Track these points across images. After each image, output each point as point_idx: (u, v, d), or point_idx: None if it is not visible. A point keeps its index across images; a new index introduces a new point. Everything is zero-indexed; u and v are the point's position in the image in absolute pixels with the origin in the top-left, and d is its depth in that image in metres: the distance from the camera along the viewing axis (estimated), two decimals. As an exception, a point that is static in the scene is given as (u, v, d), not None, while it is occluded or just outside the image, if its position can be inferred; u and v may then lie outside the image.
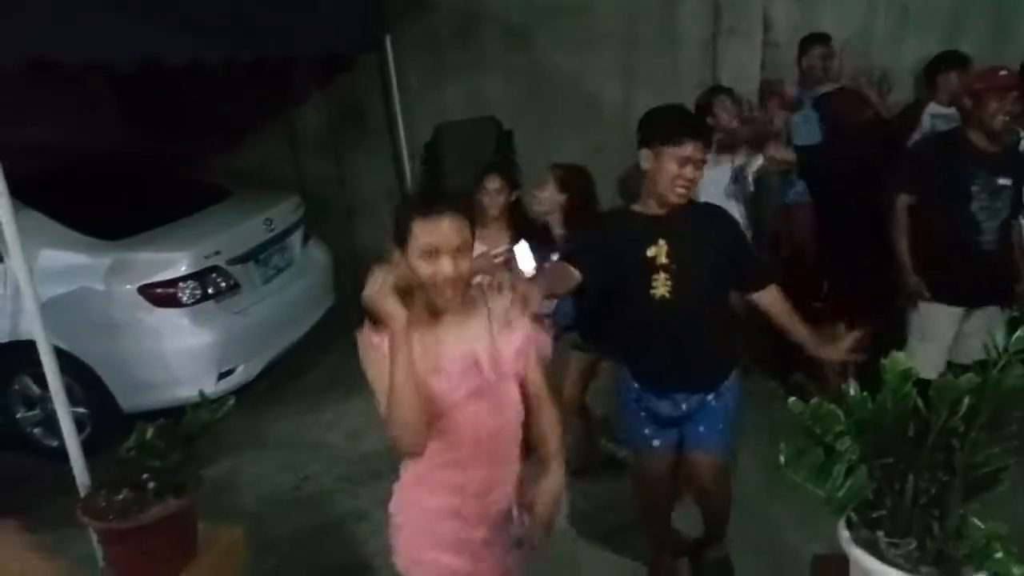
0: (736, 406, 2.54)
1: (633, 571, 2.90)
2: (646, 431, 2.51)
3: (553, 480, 1.80)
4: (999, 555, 1.29)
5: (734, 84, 4.66)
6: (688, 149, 2.24)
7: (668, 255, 2.29)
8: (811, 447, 1.46)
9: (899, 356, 1.42)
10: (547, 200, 3.19)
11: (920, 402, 1.40)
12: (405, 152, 5.52)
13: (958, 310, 3.26)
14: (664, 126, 2.29)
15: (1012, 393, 1.28)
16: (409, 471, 1.81)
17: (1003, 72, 3.09)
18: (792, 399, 1.49)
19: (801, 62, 4.46)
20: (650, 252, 2.29)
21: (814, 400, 1.46)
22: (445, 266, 1.60)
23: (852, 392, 1.47)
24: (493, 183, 3.26)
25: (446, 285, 1.62)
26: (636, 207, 2.42)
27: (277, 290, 4.23)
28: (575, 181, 3.25)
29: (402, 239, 1.62)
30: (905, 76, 4.80)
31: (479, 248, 2.56)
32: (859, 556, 1.45)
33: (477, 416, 1.70)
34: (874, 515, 1.45)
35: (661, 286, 2.30)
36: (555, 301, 2.79)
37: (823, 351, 2.41)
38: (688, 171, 2.26)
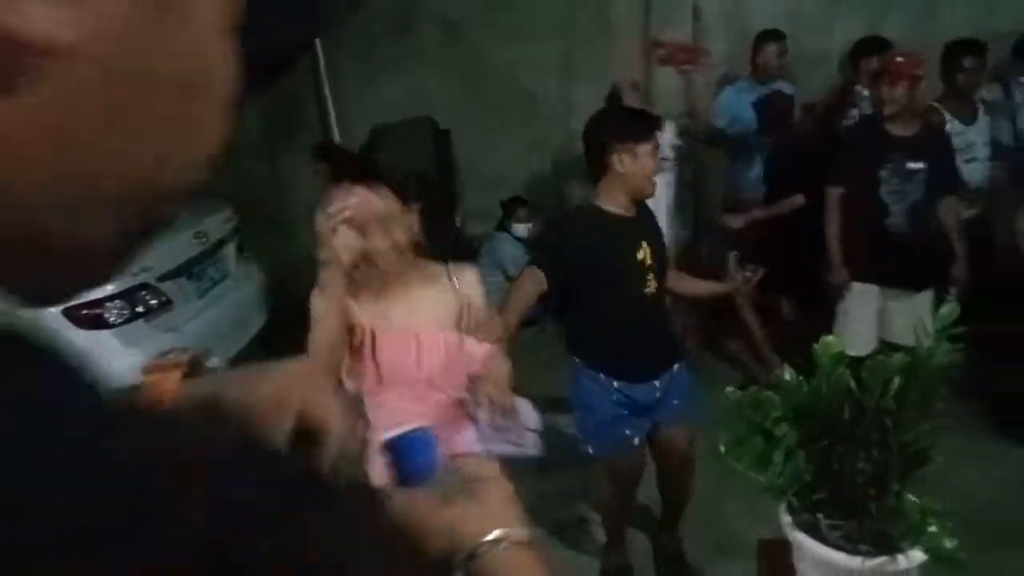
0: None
1: (588, 563, 2.89)
2: (627, 431, 2.53)
3: (499, 363, 1.89)
4: (933, 530, 1.30)
5: (666, 74, 4.70)
6: (655, 139, 2.44)
7: (651, 256, 2.46)
8: (750, 434, 1.46)
9: (831, 339, 1.42)
10: None
11: (853, 383, 1.40)
12: (342, 156, 5.43)
13: (875, 288, 3.32)
14: (633, 125, 2.43)
15: (940, 370, 1.29)
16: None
17: (899, 59, 3.13)
18: (729, 388, 1.49)
19: (756, 57, 4.50)
20: (639, 255, 2.44)
21: (751, 387, 1.46)
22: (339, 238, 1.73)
23: (787, 377, 1.47)
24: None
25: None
26: (608, 207, 2.45)
27: (212, 305, 4.10)
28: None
29: None
30: (834, 59, 4.90)
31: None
32: (801, 540, 1.45)
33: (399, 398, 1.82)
34: (814, 498, 1.45)
35: (651, 284, 2.47)
36: None
37: (734, 291, 2.75)
38: (656, 161, 2.46)
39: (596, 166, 2.43)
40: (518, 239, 4.98)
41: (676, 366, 2.60)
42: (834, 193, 3.34)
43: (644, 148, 2.38)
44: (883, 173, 3.18)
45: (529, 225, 5.02)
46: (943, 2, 4.87)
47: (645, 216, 2.54)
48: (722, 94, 4.63)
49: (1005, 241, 3.49)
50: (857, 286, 3.34)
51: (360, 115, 5.36)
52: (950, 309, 1.40)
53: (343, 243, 1.63)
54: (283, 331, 4.66)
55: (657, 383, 2.54)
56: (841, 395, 1.41)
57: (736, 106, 4.46)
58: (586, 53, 5.25)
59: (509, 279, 4.34)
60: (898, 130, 3.18)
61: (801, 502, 1.49)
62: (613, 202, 2.44)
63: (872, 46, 4.26)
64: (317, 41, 5.09)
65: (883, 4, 4.89)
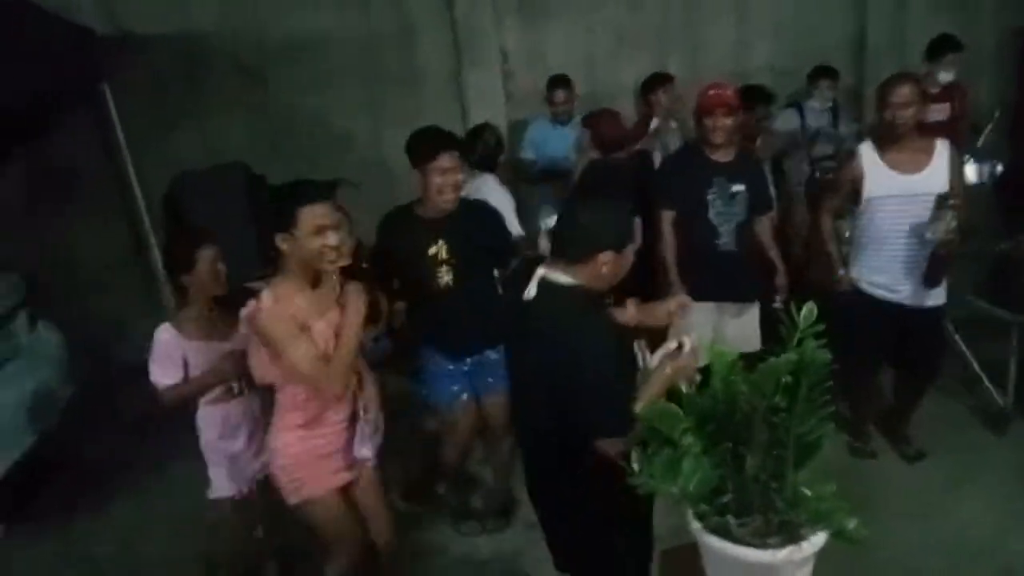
0: None
1: None
2: (454, 388, 3.04)
3: None
4: (835, 513, 1.41)
5: (482, 113, 4.85)
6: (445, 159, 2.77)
7: (448, 252, 2.85)
8: (659, 448, 1.51)
9: (723, 348, 1.51)
10: None
11: (745, 387, 1.50)
12: (145, 211, 4.91)
13: (710, 305, 3.56)
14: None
15: (823, 365, 1.41)
16: (285, 422, 2.29)
17: (712, 92, 3.39)
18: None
19: (550, 100, 4.80)
20: (432, 251, 2.85)
21: (656, 403, 1.51)
22: (331, 239, 2.17)
23: (684, 390, 1.54)
24: (210, 252, 2.58)
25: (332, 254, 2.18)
26: (418, 210, 2.90)
27: (4, 386, 3.54)
28: None
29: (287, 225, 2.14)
30: (626, 94, 5.31)
31: (219, 347, 2.58)
32: (713, 542, 1.51)
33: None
34: (722, 500, 1.53)
35: (444, 276, 2.87)
36: None
37: None
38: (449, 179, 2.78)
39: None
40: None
41: (492, 353, 3.00)
42: (667, 216, 3.52)
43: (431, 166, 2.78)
44: (710, 197, 3.44)
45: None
46: (708, 40, 5.50)
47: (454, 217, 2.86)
48: (529, 129, 4.87)
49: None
50: (695, 304, 3.47)
51: (155, 170, 4.88)
52: (808, 311, 1.55)
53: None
54: (97, 398, 4.14)
55: (466, 361, 3.03)
56: (736, 399, 1.50)
57: (540, 139, 4.74)
58: (395, 96, 5.28)
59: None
60: (718, 156, 3.47)
61: (708, 506, 1.56)
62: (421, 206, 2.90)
63: (657, 80, 4.66)
64: (107, 91, 4.60)
65: (663, 45, 5.43)
